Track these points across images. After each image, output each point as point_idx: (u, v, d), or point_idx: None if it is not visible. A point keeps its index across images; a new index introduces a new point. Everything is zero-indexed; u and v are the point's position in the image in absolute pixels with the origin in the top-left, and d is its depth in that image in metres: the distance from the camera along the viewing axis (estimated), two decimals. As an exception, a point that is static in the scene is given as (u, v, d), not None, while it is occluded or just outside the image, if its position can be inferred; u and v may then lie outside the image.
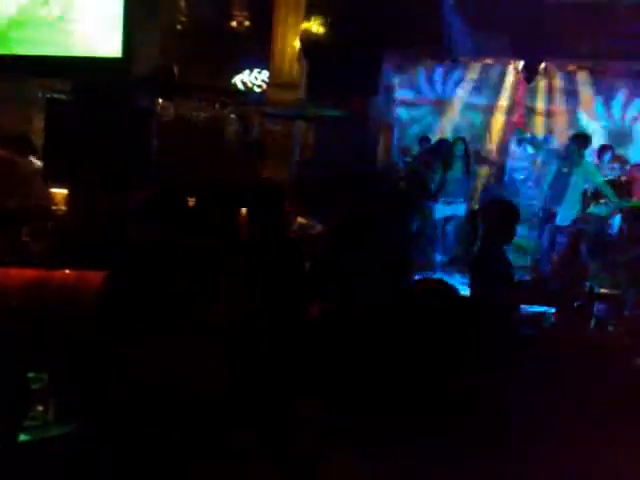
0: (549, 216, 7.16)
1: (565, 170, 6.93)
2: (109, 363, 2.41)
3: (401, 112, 10.17)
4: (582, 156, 6.93)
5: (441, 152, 7.93)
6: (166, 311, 2.62)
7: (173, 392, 2.03)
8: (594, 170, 7.18)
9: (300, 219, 6.13)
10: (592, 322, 4.61)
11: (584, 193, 7.11)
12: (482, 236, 3.62)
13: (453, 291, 1.46)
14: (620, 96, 9.50)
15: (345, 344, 1.92)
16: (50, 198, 6.05)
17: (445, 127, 9.95)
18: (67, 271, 4.01)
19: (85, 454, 2.04)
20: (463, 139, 8.23)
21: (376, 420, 1.31)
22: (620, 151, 8.42)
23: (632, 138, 9.33)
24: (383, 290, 2.63)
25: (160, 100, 7.15)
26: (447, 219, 7.66)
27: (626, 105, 9.53)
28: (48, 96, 6.40)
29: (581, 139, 7.01)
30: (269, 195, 3.37)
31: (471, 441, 1.27)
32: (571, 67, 9.66)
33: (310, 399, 1.79)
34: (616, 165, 7.70)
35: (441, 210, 7.68)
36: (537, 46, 8.88)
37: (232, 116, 7.86)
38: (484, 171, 9.41)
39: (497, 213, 3.69)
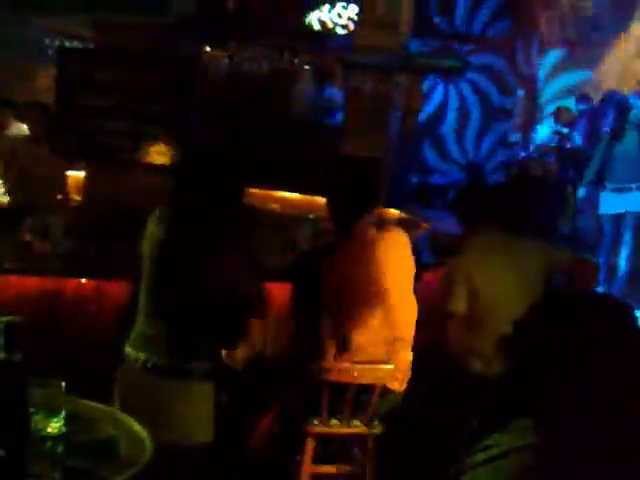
0: None
1: None
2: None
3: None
4: None
5: (612, 115, 7.61)
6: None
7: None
8: None
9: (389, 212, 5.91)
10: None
11: None
12: None
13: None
14: None
15: None
16: (58, 185, 6.14)
17: (606, 81, 9.60)
18: (83, 280, 4.33)
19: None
20: None
21: None
22: None
23: None
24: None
25: (209, 47, 7.24)
26: (618, 216, 7.48)
27: None
28: (58, 43, 6.53)
29: None
30: (360, 175, 3.49)
31: None
32: None
33: None
34: None
35: (608, 202, 7.46)
36: None
37: (306, 68, 8.00)
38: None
39: None
